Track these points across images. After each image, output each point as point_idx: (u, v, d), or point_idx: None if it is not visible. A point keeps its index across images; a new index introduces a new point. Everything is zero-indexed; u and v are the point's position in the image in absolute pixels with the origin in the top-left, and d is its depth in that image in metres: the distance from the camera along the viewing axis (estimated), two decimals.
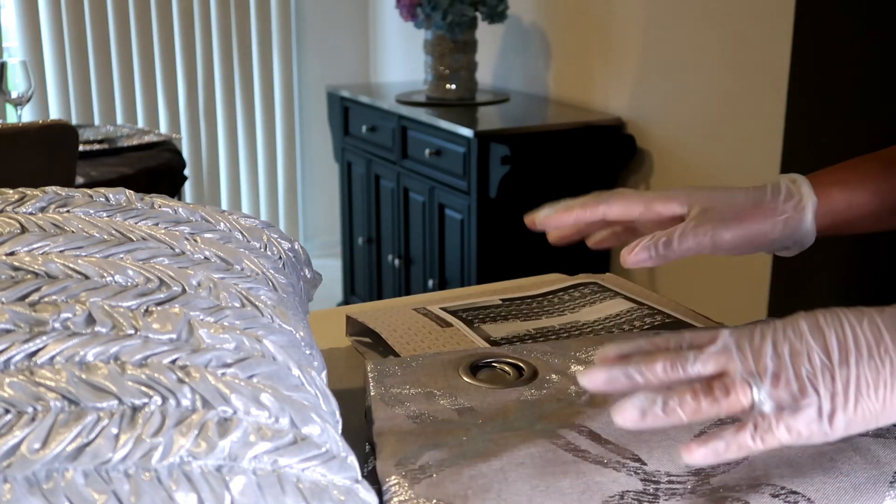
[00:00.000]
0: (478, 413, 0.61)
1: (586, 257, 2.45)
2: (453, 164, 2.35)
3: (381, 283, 2.84)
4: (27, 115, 2.89)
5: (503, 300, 0.87)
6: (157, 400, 0.43)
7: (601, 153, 2.35)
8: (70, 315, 0.48)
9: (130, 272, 0.53)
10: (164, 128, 3.35)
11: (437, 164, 2.43)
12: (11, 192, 0.63)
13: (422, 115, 2.48)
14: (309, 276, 0.69)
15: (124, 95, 3.27)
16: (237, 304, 0.54)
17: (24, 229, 0.57)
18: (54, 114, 3.18)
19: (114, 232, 0.58)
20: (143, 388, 0.43)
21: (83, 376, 0.43)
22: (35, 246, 0.55)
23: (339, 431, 0.50)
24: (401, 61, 3.40)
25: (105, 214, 0.61)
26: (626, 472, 0.54)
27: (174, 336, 0.48)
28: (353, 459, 0.46)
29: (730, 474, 0.54)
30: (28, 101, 2.37)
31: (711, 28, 2.08)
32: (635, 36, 2.33)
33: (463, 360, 0.68)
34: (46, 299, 0.49)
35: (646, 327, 0.79)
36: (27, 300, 0.49)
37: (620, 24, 2.37)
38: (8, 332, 0.46)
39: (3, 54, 3.07)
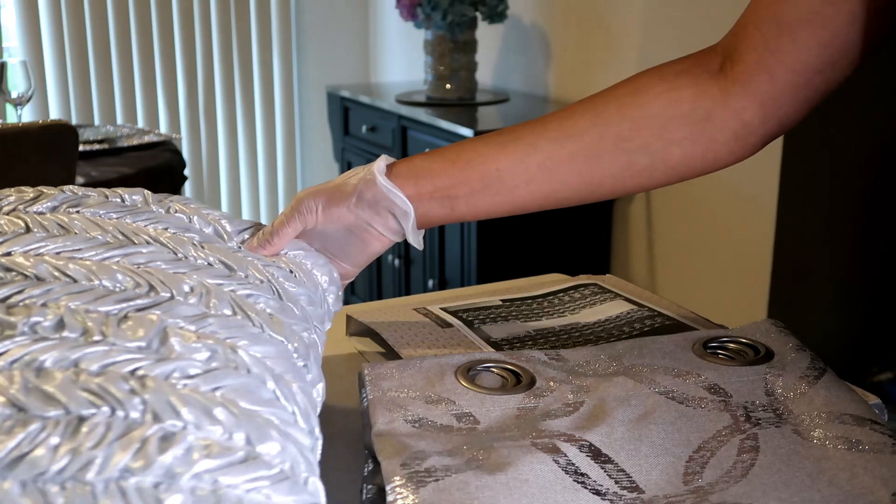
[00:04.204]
0: (477, 419, 0.61)
1: (586, 258, 2.45)
2: None
3: (381, 283, 2.83)
4: (27, 115, 2.89)
5: (503, 301, 0.87)
6: (106, 411, 0.42)
7: None
8: (40, 319, 0.47)
9: (120, 276, 0.52)
10: (164, 128, 3.35)
11: None
12: (30, 190, 0.63)
13: (422, 115, 2.48)
14: (327, 283, 0.68)
15: (124, 95, 3.27)
16: (227, 312, 0.53)
17: (28, 229, 0.57)
18: (54, 114, 3.17)
19: (118, 234, 0.58)
20: (92, 398, 0.42)
21: (35, 383, 0.42)
22: (31, 247, 0.54)
23: (317, 449, 0.49)
24: (401, 61, 3.40)
25: (115, 215, 0.61)
26: (625, 503, 0.53)
27: (143, 344, 0.47)
28: (314, 482, 0.44)
29: (728, 492, 0.54)
30: (28, 101, 2.37)
31: (711, 28, 2.08)
32: (635, 36, 2.33)
33: (460, 364, 0.67)
34: (27, 301, 0.49)
35: (646, 329, 0.79)
36: (6, 302, 0.48)
37: (620, 23, 2.37)
38: None
39: (3, 54, 3.07)
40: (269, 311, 0.55)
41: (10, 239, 0.55)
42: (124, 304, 0.50)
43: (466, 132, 2.27)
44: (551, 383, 0.65)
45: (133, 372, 0.44)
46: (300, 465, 0.44)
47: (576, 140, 0.69)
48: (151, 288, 0.52)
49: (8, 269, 0.51)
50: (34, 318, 0.47)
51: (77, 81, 3.19)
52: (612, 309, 0.84)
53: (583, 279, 0.93)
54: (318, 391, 0.56)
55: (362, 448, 0.60)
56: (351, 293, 3.06)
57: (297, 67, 3.53)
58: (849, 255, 2.11)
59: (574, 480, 0.54)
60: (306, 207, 0.69)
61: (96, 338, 0.47)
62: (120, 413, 0.42)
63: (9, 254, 0.53)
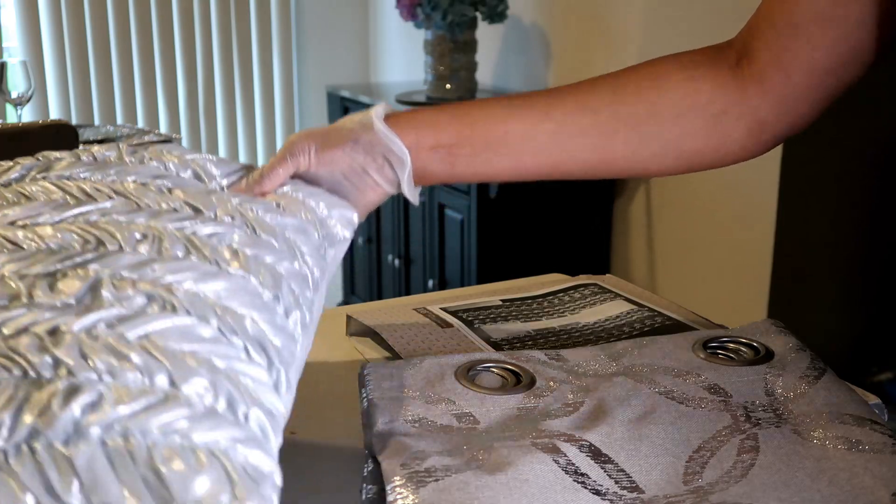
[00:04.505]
0: (477, 419, 0.61)
1: (586, 258, 2.45)
2: None
3: (381, 283, 2.83)
4: (27, 115, 2.89)
5: (503, 301, 0.87)
6: (18, 373, 0.41)
7: None
8: None
9: (68, 236, 0.51)
10: (164, 128, 3.35)
11: None
12: (6, 162, 0.62)
13: None
14: (325, 208, 0.65)
15: (124, 95, 3.27)
16: (179, 254, 0.51)
17: None
18: (54, 114, 3.17)
19: (81, 194, 0.57)
20: (3, 362, 0.41)
21: None
22: None
23: (280, 382, 0.47)
24: (401, 61, 3.40)
25: (84, 174, 0.60)
26: (625, 503, 0.53)
27: (70, 301, 0.46)
28: (257, 415, 0.43)
29: (728, 492, 0.54)
30: (28, 101, 2.37)
31: (711, 28, 2.08)
32: (635, 36, 2.33)
33: (460, 365, 0.67)
34: None
35: (646, 329, 0.79)
36: None
37: (620, 23, 2.37)
38: None
39: (3, 54, 3.07)
40: (234, 246, 0.54)
41: None
42: (60, 265, 0.48)
43: None
44: (551, 383, 0.65)
45: (53, 330, 0.43)
46: (237, 400, 0.42)
47: (591, 115, 0.68)
48: (100, 243, 0.51)
49: None
50: None
51: (77, 81, 3.19)
52: (612, 309, 0.84)
53: (583, 279, 0.93)
54: (296, 321, 0.53)
55: (362, 448, 0.60)
56: (351, 293, 3.06)
57: (297, 67, 3.53)
58: (849, 254, 2.11)
59: (574, 480, 0.54)
60: (299, 149, 0.66)
61: (23, 300, 0.45)
62: (32, 373, 0.41)
63: None
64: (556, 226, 2.36)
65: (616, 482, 0.55)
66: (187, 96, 3.37)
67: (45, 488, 0.37)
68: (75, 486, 0.37)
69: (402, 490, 0.52)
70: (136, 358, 0.42)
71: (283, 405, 0.46)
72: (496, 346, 0.76)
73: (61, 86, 3.17)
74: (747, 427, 0.60)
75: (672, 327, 0.79)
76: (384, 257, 2.77)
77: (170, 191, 0.59)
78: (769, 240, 2.03)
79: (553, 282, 0.93)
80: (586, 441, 0.58)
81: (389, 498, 0.51)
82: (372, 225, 2.81)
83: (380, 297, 2.83)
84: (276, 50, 3.45)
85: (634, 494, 0.54)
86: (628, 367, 0.67)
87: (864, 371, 2.10)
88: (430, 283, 2.52)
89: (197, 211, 0.57)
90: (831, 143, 1.98)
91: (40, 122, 1.86)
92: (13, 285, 0.47)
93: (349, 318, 0.83)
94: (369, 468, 0.57)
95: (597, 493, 0.54)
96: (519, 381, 0.66)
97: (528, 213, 2.32)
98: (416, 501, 0.51)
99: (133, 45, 3.25)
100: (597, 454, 0.57)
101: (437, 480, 0.52)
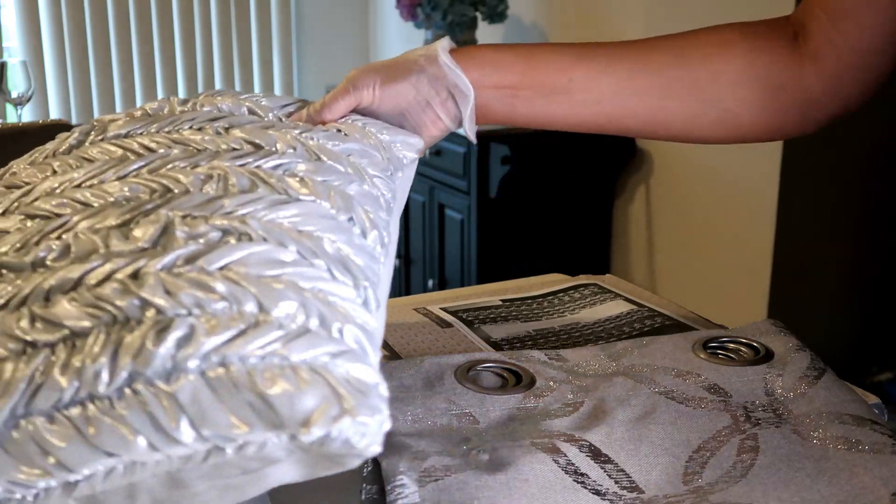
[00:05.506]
0: (477, 419, 0.61)
1: (586, 258, 2.45)
2: (453, 164, 2.35)
3: None
4: (27, 115, 2.89)
5: (503, 301, 0.87)
6: (108, 319, 0.40)
7: (601, 153, 2.35)
8: (45, 254, 0.46)
9: (133, 188, 0.52)
10: None
11: (437, 164, 2.42)
12: (66, 133, 0.63)
13: None
14: (388, 134, 0.64)
15: (124, 96, 3.27)
16: (246, 188, 0.51)
17: (54, 172, 0.57)
18: (54, 114, 3.17)
19: (138, 149, 0.57)
20: (91, 311, 0.41)
21: (41, 313, 0.41)
22: (53, 186, 0.54)
23: (370, 298, 0.46)
24: None
25: (139, 130, 0.61)
26: (624, 503, 0.53)
27: (145, 245, 0.45)
28: (352, 330, 0.42)
29: (728, 492, 0.54)
30: (28, 101, 2.37)
31: None
32: (636, 36, 2.33)
33: (460, 365, 0.67)
34: (42, 240, 0.48)
35: (646, 329, 0.79)
36: (21, 250, 0.48)
37: (620, 24, 2.37)
38: None
39: (3, 54, 3.07)
40: (299, 175, 0.53)
41: (34, 188, 0.55)
42: (130, 214, 0.48)
43: None
44: (551, 383, 0.65)
45: (135, 273, 0.43)
46: (329, 318, 0.42)
47: (653, 75, 0.68)
48: (167, 190, 0.51)
49: (31, 217, 0.51)
50: (40, 253, 0.46)
51: (77, 81, 3.19)
52: (612, 309, 0.84)
53: (583, 279, 0.93)
54: (375, 240, 0.52)
55: None
56: None
57: (297, 67, 3.53)
58: (849, 254, 2.11)
59: (574, 480, 0.54)
60: (362, 82, 0.65)
61: (101, 252, 0.45)
62: (121, 318, 0.40)
63: (35, 200, 0.53)
64: (556, 226, 2.36)
65: (616, 482, 0.55)
66: (188, 96, 3.37)
67: (154, 428, 0.37)
68: (184, 421, 0.37)
69: (402, 490, 0.52)
70: (221, 288, 0.41)
71: (374, 321, 0.45)
72: (496, 346, 0.76)
73: (61, 86, 3.17)
74: (747, 427, 0.60)
75: (672, 327, 0.79)
76: None
77: (227, 131, 0.59)
78: (769, 239, 2.03)
79: (553, 282, 0.93)
80: (586, 441, 0.58)
81: (389, 498, 0.51)
82: None
83: None
84: (276, 50, 3.45)
85: (634, 494, 0.54)
86: (628, 367, 0.68)
87: (864, 371, 2.10)
88: (430, 283, 2.52)
89: (257, 147, 0.57)
90: (831, 144, 1.98)
91: (40, 121, 1.86)
92: (89, 239, 0.47)
93: None
94: (369, 468, 0.57)
95: (597, 493, 0.54)
96: (519, 381, 0.66)
97: (528, 213, 2.32)
98: (416, 501, 0.51)
99: (133, 45, 3.25)
100: (597, 454, 0.57)
101: (436, 480, 0.52)
